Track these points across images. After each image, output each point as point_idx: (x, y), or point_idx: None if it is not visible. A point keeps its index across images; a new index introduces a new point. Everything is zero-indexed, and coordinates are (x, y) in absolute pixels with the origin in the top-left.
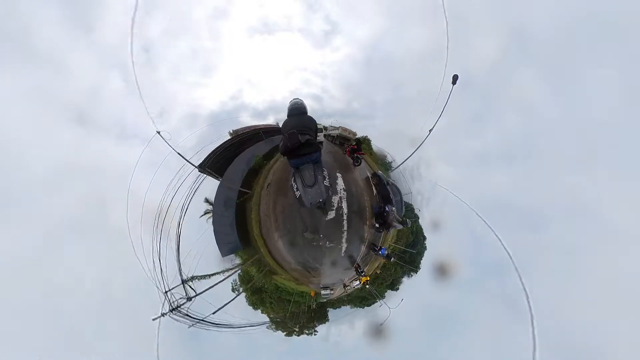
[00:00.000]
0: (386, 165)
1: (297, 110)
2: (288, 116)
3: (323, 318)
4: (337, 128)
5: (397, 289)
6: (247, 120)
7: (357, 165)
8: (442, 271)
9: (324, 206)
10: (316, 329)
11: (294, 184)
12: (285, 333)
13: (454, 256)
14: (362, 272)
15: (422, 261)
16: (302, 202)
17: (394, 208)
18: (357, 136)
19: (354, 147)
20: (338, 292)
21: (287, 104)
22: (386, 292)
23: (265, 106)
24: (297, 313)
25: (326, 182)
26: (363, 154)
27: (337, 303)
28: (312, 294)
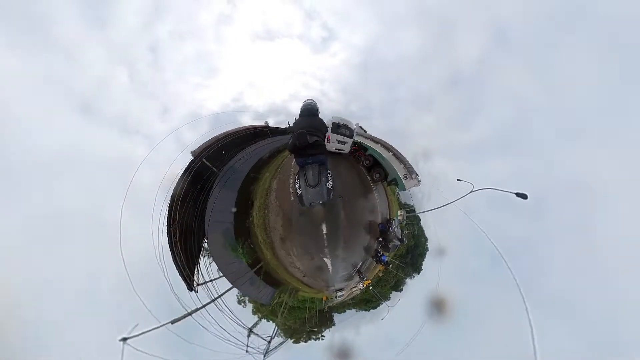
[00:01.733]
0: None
1: (309, 112)
2: (300, 116)
3: (329, 322)
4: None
5: (401, 289)
6: (249, 123)
7: (360, 165)
8: (438, 307)
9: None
10: (323, 333)
11: (297, 181)
12: (293, 340)
13: (450, 292)
14: (364, 277)
15: (424, 262)
16: (302, 201)
17: (396, 228)
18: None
19: (356, 148)
20: (346, 294)
21: (293, 104)
22: (390, 293)
23: (265, 108)
24: (308, 318)
25: (329, 185)
26: (362, 154)
27: (342, 307)
28: (324, 298)
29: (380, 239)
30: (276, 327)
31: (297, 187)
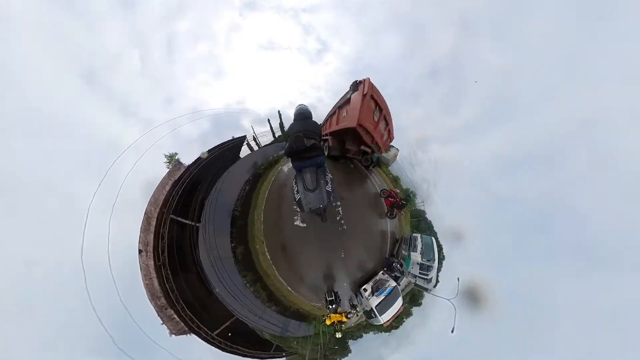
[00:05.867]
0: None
1: (302, 115)
2: (294, 120)
3: (344, 350)
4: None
5: (420, 304)
6: (249, 126)
7: (391, 217)
8: (474, 299)
9: (324, 213)
10: None
11: (295, 186)
12: None
13: (485, 280)
14: (334, 307)
15: (439, 275)
16: (301, 206)
17: (398, 265)
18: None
19: (400, 202)
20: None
21: (292, 110)
22: (411, 308)
23: (266, 113)
24: (321, 345)
25: (328, 188)
26: (402, 212)
27: (356, 332)
28: (339, 318)
29: (385, 269)
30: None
31: (296, 191)
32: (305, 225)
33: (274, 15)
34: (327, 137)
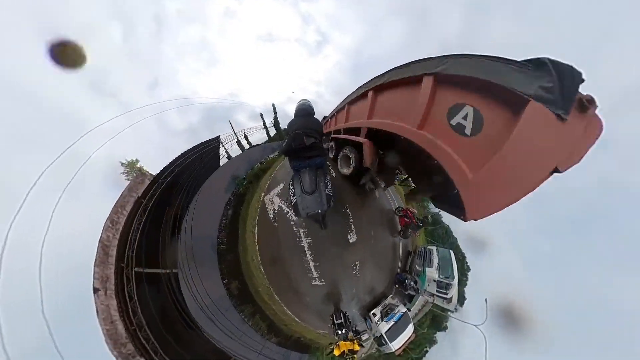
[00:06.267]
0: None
1: (304, 111)
2: (295, 116)
3: None
4: None
5: (445, 327)
6: (244, 121)
7: (404, 237)
8: (510, 318)
9: (323, 220)
10: None
11: (291, 187)
12: None
13: (522, 296)
14: (342, 332)
15: (465, 290)
16: (297, 210)
17: (412, 283)
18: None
19: (415, 223)
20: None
21: (289, 106)
22: (435, 334)
23: (262, 109)
24: None
25: (328, 191)
26: (416, 234)
27: None
28: (350, 346)
29: (397, 285)
30: None
31: (292, 194)
32: (323, 283)
33: (272, 3)
34: (351, 140)
